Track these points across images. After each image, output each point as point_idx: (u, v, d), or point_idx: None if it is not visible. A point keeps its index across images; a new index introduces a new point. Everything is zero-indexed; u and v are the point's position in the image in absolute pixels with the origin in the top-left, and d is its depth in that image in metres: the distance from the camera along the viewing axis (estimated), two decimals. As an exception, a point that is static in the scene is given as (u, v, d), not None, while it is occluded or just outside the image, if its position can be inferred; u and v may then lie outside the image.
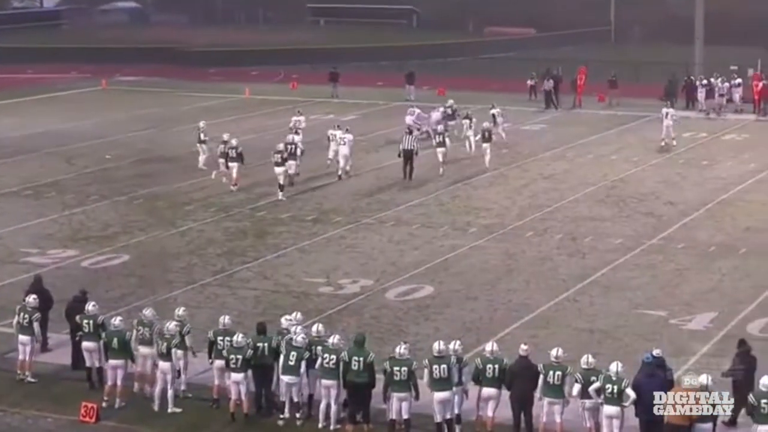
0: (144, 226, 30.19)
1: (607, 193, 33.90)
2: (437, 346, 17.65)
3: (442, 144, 36.49)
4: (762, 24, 66.85)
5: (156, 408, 18.67)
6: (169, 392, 18.70)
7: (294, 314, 19.42)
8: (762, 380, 16.42)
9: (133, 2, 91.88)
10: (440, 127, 38.49)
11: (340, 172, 35.63)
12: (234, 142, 34.20)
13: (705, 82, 49.04)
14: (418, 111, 41.61)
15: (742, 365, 17.85)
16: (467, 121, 39.63)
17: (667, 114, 40.80)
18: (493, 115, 40.64)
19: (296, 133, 36.47)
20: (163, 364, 18.69)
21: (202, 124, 37.49)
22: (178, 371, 18.76)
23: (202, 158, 36.66)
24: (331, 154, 36.50)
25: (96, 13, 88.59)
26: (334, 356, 17.93)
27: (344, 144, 35.64)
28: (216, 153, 34.91)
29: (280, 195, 32.91)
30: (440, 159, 36.26)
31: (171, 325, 18.79)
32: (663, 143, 40.37)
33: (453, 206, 32.44)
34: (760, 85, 47.93)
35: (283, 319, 19.19)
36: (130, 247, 28.20)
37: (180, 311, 19.47)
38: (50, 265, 26.61)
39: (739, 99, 48.68)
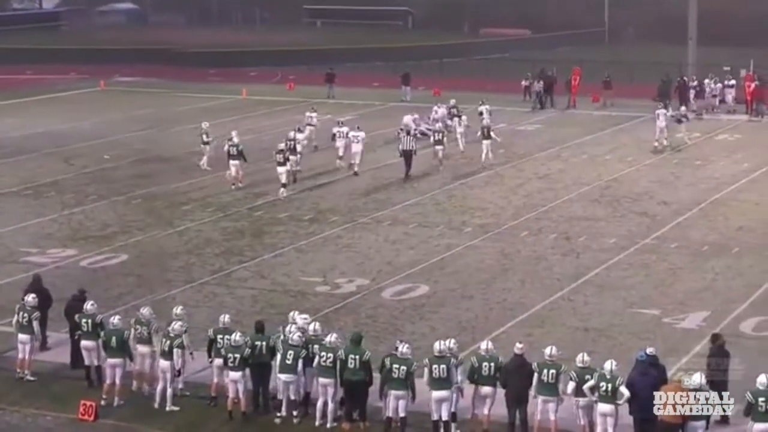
0: (142, 226, 30.35)
1: (601, 192, 34.10)
2: (438, 345, 17.79)
3: (440, 142, 37.05)
4: (755, 25, 67.04)
5: (156, 405, 18.84)
6: (168, 390, 18.87)
7: (292, 313, 19.56)
8: (759, 378, 16.54)
9: (131, 3, 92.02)
10: (439, 125, 38.95)
11: (352, 164, 36.29)
12: (236, 140, 34.51)
13: (695, 83, 49.31)
14: (416, 116, 41.91)
15: (723, 365, 17.94)
16: (457, 119, 40.56)
17: (658, 115, 40.97)
18: (481, 112, 41.27)
19: (299, 130, 36.81)
20: (164, 363, 18.84)
21: (205, 125, 37.67)
22: (179, 370, 18.92)
23: (204, 159, 36.88)
24: (341, 152, 37.03)
25: (94, 15, 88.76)
26: (331, 354, 18.07)
27: (357, 142, 36.25)
28: (223, 151, 35.16)
29: (282, 193, 33.17)
30: (439, 156, 36.89)
31: (176, 325, 18.90)
32: (656, 143, 40.56)
33: (449, 206, 32.64)
34: (753, 85, 48.13)
35: (299, 318, 19.27)
36: (128, 247, 28.36)
37: (178, 310, 19.61)
38: (49, 264, 26.75)
39: (732, 100, 48.91)
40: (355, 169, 36.30)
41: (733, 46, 61.68)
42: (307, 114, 40.80)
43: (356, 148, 36.32)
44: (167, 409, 18.79)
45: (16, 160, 39.42)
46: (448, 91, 50.52)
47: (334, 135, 37.47)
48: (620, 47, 71.27)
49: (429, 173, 36.52)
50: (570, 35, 75.27)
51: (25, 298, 20.40)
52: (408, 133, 36.70)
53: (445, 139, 37.43)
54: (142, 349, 19.32)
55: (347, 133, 37.00)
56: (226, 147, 34.61)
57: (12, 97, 53.72)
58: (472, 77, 57.32)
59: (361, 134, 36.58)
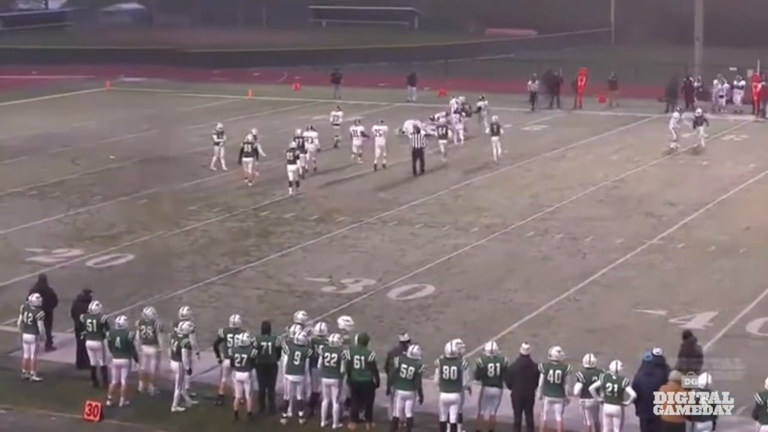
0: (148, 226, 30.33)
1: (607, 193, 34.11)
2: (449, 347, 17.74)
3: (444, 137, 37.83)
4: (762, 25, 66.89)
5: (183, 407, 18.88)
6: (176, 391, 18.85)
7: (297, 313, 19.53)
8: None
9: (137, 4, 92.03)
10: (442, 120, 39.26)
11: (375, 162, 36.98)
12: (250, 137, 34.81)
13: (697, 84, 49.15)
14: (417, 121, 41.98)
15: (694, 356, 17.96)
16: (456, 115, 41.39)
17: (672, 117, 40.85)
18: (479, 108, 41.95)
19: (311, 128, 37.09)
20: (173, 364, 18.85)
21: (219, 126, 37.53)
22: (189, 369, 18.88)
23: (213, 159, 36.82)
24: (354, 149, 37.73)
25: (100, 15, 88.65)
26: (335, 355, 18.08)
27: (380, 136, 36.91)
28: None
29: (290, 191, 33.34)
30: (442, 150, 37.50)
31: (185, 325, 18.90)
32: (677, 144, 40.32)
33: (455, 206, 32.64)
34: (759, 86, 48.01)
35: (341, 320, 19.20)
36: (134, 247, 28.37)
37: (184, 311, 19.61)
38: (55, 264, 26.78)
39: (740, 101, 48.79)
40: (383, 162, 36.96)
41: (740, 47, 61.55)
42: (333, 113, 41.56)
43: (380, 141, 36.97)
44: (172, 409, 18.79)
45: (21, 160, 39.46)
46: (454, 91, 50.37)
47: (351, 134, 38.23)
48: (626, 47, 71.16)
49: (435, 173, 36.54)
50: (576, 36, 75.18)
51: (29, 297, 20.43)
52: (418, 131, 36.95)
53: (449, 134, 38.45)
54: (148, 349, 19.34)
55: (361, 132, 37.73)
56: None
57: (17, 98, 53.74)
58: (478, 78, 57.16)
59: (384, 128, 37.28)
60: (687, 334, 18.88)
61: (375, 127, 37.44)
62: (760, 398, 16.46)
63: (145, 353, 19.31)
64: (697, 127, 40.41)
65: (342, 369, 18.08)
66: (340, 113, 41.53)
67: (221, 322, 19.66)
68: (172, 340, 18.88)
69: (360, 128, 37.95)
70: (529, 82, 50.73)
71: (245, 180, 34.65)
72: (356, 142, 37.85)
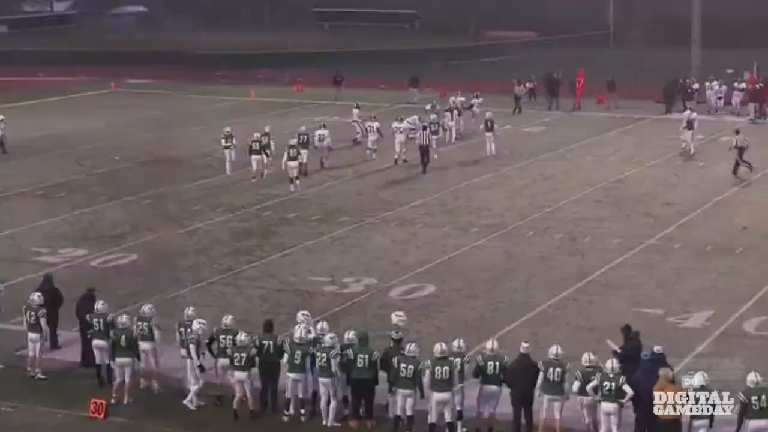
0: (152, 226, 30.60)
1: (606, 193, 34.27)
2: (439, 347, 17.85)
3: (435, 132, 38.71)
4: (759, 28, 67.05)
5: (194, 406, 19.10)
6: (194, 387, 19.02)
7: (298, 313, 19.67)
8: (749, 377, 16.73)
9: (142, 6, 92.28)
10: (433, 117, 39.70)
11: (396, 157, 37.90)
12: (256, 135, 35.26)
13: (694, 86, 49.39)
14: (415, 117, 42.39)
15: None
16: (449, 113, 42.19)
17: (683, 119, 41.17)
18: (471, 105, 43.34)
19: (324, 127, 37.77)
20: (189, 362, 19.05)
21: (227, 129, 37.39)
22: (201, 366, 19.02)
23: (228, 165, 36.62)
24: (369, 144, 38.49)
25: (105, 17, 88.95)
26: (324, 355, 18.20)
27: (401, 132, 37.73)
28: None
29: (291, 188, 33.72)
30: (433, 146, 38.04)
31: (195, 323, 19.06)
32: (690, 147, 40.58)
33: (455, 206, 32.85)
34: (755, 87, 48.11)
35: (394, 316, 19.48)
36: (138, 247, 28.58)
37: (189, 311, 19.73)
38: (60, 264, 26.99)
39: (738, 102, 48.93)
40: (403, 156, 37.80)
41: (737, 49, 61.67)
42: (354, 110, 42.44)
43: (400, 138, 37.74)
44: (184, 402, 18.97)
45: (27, 161, 39.62)
46: (454, 92, 50.65)
47: (367, 130, 39.05)
48: (625, 49, 71.27)
49: (435, 173, 36.76)
50: (575, 38, 75.36)
51: (30, 297, 20.58)
52: (424, 128, 37.38)
53: (440, 129, 39.45)
54: (144, 345, 19.53)
55: (377, 128, 38.56)
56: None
57: (24, 99, 53.85)
58: (478, 79, 57.35)
59: (403, 125, 38.07)
60: (628, 329, 19.00)
61: (395, 124, 38.17)
62: (744, 396, 16.63)
63: (142, 349, 19.47)
64: (690, 131, 40.54)
65: (333, 368, 18.22)
66: (356, 111, 42.21)
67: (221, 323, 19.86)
68: (184, 339, 19.12)
69: (376, 124, 38.70)
70: (516, 85, 50.78)
71: (252, 178, 34.97)
72: (371, 137, 38.51)
